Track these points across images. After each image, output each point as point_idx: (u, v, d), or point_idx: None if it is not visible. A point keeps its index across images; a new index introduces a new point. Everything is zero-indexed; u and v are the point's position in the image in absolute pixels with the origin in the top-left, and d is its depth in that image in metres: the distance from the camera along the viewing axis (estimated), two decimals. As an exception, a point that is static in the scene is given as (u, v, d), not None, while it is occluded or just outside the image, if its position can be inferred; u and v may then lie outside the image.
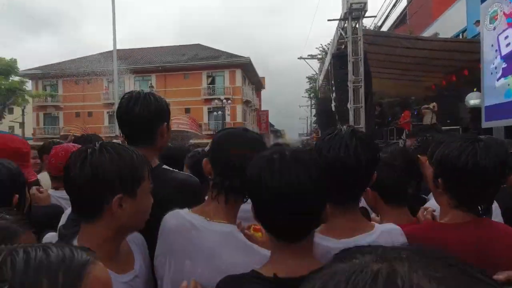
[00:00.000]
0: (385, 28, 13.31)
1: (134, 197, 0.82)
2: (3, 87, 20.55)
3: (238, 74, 28.47)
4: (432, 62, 8.80)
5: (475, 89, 7.37)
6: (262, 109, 40.38)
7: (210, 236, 0.92)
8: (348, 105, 6.63)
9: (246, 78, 31.23)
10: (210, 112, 28.43)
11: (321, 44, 22.36)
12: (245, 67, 28.97)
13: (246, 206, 0.90)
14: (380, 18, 11.39)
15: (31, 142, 21.99)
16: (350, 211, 0.92)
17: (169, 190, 1.10)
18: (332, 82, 7.83)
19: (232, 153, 0.95)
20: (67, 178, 0.83)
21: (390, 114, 11.62)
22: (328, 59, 10.29)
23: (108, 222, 0.81)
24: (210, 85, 28.50)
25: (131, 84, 29.20)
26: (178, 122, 25.68)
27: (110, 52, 19.44)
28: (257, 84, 36.33)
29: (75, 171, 0.80)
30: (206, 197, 1.03)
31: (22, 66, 23.68)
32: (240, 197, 0.96)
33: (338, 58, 7.71)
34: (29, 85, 25.43)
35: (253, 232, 1.16)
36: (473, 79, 7.82)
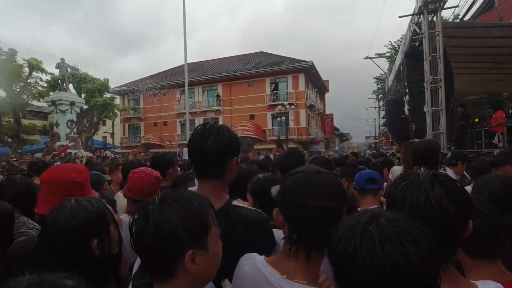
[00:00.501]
0: (467, 18, 11.79)
1: (206, 249, 0.76)
2: (98, 103, 23.99)
3: (301, 78, 28.26)
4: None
5: None
6: (326, 112, 39.29)
7: None
8: (425, 108, 5.99)
9: (309, 82, 30.81)
10: (274, 118, 28.74)
11: (389, 41, 20.87)
12: (308, 71, 28.62)
13: None
14: (462, 7, 10.10)
15: (118, 150, 24.96)
16: (445, 271, 0.75)
17: (240, 231, 1.03)
18: (405, 83, 7.19)
19: (308, 204, 0.83)
20: (133, 238, 0.77)
21: (476, 115, 10.20)
22: (399, 58, 9.51)
23: (184, 280, 0.76)
24: (274, 91, 28.85)
25: (199, 94, 31.35)
26: (243, 128, 26.59)
27: (182, 66, 21.19)
28: (321, 87, 35.53)
29: (139, 232, 0.75)
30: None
31: (111, 84, 27.37)
32: (323, 253, 0.83)
33: (411, 57, 7.07)
34: (117, 100, 29.21)
35: None
36: None
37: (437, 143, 2.98)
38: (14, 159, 11.04)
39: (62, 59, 17.92)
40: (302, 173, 0.91)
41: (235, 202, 1.17)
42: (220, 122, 30.27)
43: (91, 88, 24.40)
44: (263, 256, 0.93)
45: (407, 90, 7.12)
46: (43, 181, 1.37)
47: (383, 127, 28.14)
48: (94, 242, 1.01)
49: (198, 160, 1.13)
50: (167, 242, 0.73)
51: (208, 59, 35.58)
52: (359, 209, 1.85)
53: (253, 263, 0.91)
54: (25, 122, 22.00)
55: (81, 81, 24.34)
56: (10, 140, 21.36)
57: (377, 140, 27.12)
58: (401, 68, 8.00)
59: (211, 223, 0.78)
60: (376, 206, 1.71)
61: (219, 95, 30.62)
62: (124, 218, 1.61)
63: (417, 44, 7.24)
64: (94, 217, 1.04)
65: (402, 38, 18.94)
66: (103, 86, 25.38)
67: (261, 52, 33.37)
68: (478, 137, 8.72)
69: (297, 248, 0.85)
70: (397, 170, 3.01)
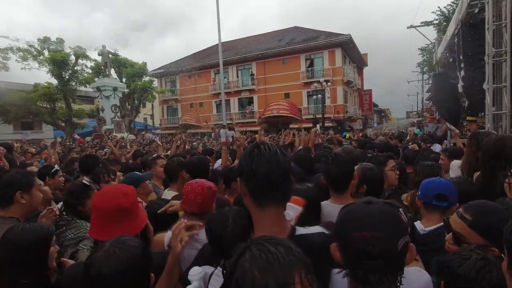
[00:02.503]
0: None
1: None
2: (138, 87, 24.97)
3: (338, 53, 26.89)
4: None
5: None
6: (365, 88, 37.40)
7: None
8: (485, 86, 5.36)
9: (347, 56, 29.26)
10: (309, 95, 27.98)
11: (438, 7, 18.80)
12: (346, 45, 27.11)
13: None
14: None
15: (159, 131, 26.15)
16: None
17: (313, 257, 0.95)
18: (460, 57, 6.47)
19: (361, 238, 0.80)
20: None
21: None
22: (451, 27, 8.54)
23: None
24: (309, 68, 27.89)
25: (234, 74, 31.29)
26: (278, 107, 26.30)
27: (216, 45, 21.11)
28: (359, 62, 33.64)
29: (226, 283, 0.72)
30: None
31: (149, 67, 28.21)
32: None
33: (469, 26, 6.30)
34: (155, 83, 30.14)
35: None
36: None
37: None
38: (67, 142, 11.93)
39: (104, 46, 18.69)
40: (353, 206, 0.89)
41: (298, 229, 1.06)
42: (255, 101, 30.20)
43: (131, 73, 25.39)
44: None
45: (462, 65, 6.42)
46: (93, 206, 1.40)
47: (427, 102, 26.17)
48: None
49: (275, 186, 0.97)
50: None
51: (243, 37, 35.15)
52: (419, 222, 1.68)
53: None
54: (75, 107, 23.68)
55: (121, 66, 25.37)
56: (63, 124, 23.20)
57: (421, 118, 25.41)
58: (456, 39, 7.20)
59: None
60: (441, 224, 1.54)
61: (253, 74, 30.31)
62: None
63: (476, 10, 6.41)
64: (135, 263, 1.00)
65: (454, 3, 17.00)
66: (142, 69, 26.28)
67: (296, 28, 32.11)
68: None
69: (356, 286, 0.82)
70: (456, 164, 2.67)
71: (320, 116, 23.44)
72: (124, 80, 24.54)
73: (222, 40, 19.60)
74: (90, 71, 23.96)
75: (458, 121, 8.47)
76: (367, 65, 37.20)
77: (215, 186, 1.73)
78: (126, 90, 22.22)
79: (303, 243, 0.97)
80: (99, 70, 22.01)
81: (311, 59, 28.04)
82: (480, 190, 1.88)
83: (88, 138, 15.28)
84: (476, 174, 2.07)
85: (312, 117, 25.09)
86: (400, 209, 0.85)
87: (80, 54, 22.47)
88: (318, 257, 0.94)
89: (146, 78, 27.09)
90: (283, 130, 11.00)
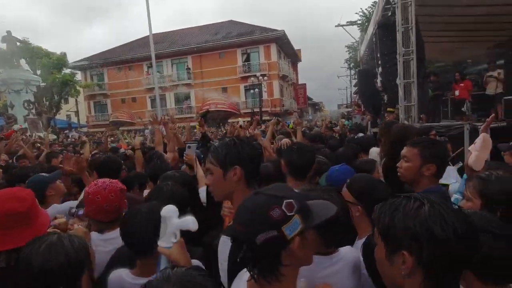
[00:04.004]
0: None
1: None
2: (57, 80, 22.18)
3: (273, 48, 27.61)
4: (499, 19, 7.64)
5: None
6: (300, 82, 39.22)
7: None
8: (397, 81, 6.01)
9: (282, 52, 30.23)
10: (247, 90, 28.25)
11: (361, 9, 20.63)
12: (280, 40, 27.96)
13: None
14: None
15: (85, 130, 23.63)
16: None
17: None
18: (378, 55, 7.15)
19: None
20: None
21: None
22: (371, 27, 9.39)
23: None
24: (246, 63, 28.09)
25: (168, 67, 29.90)
26: (216, 103, 26.00)
27: (148, 37, 19.83)
28: (293, 57, 35.08)
29: None
30: None
31: (70, 58, 25.30)
32: None
33: (384, 28, 6.97)
34: (78, 76, 27.18)
35: None
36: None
37: (415, 129, 2.90)
38: None
39: (9, 32, 16.10)
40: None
41: None
42: (192, 96, 29.37)
43: (47, 64, 22.39)
44: None
45: (379, 62, 7.10)
46: None
47: (355, 96, 28.66)
48: None
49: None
50: None
51: (176, 29, 33.71)
52: None
53: None
54: (-27, 103, 20.05)
55: (34, 56, 22.21)
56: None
57: (350, 109, 27.67)
58: (374, 39, 7.92)
59: None
60: None
61: (189, 68, 29.39)
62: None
63: (389, 13, 7.12)
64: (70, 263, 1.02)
65: (373, 5, 18.76)
66: (61, 61, 23.37)
67: (231, 21, 31.96)
68: (445, 106, 9.05)
69: None
70: (375, 151, 2.93)
71: (258, 109, 23.88)
72: (38, 72, 21.56)
73: (154, 32, 18.49)
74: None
75: (380, 112, 9.39)
76: (301, 61, 39.00)
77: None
78: (42, 84, 19.52)
79: None
80: (3, 61, 18.92)
81: (248, 53, 28.29)
82: (384, 172, 2.11)
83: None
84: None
85: (250, 111, 25.41)
86: (285, 201, 0.81)
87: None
88: None
89: (67, 71, 24.24)
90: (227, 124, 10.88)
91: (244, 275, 0.93)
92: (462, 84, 7.67)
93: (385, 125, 2.68)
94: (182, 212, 1.52)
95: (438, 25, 8.15)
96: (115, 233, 1.54)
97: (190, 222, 1.09)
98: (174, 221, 1.09)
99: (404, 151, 1.71)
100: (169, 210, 1.10)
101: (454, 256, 0.72)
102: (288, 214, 0.80)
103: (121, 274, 1.30)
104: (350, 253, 1.24)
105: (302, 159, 1.89)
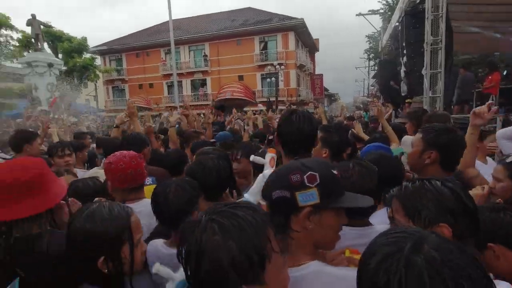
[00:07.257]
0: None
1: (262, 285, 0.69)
2: (78, 64, 22.63)
3: (291, 37, 27.18)
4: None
5: None
6: (316, 72, 38.62)
7: None
8: (423, 71, 5.85)
9: (300, 41, 29.73)
10: (263, 78, 28.06)
11: (384, -3, 19.87)
12: (298, 29, 27.46)
13: None
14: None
15: (103, 114, 24.00)
16: None
17: None
18: (403, 44, 6.94)
19: None
20: (185, 273, 0.72)
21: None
22: (396, 16, 9.09)
23: None
24: (263, 51, 27.81)
25: (185, 54, 29.97)
26: (232, 90, 26.01)
27: (166, 23, 19.89)
28: (311, 46, 34.46)
29: (191, 265, 0.69)
30: None
31: (91, 43, 25.69)
32: None
33: (412, 16, 6.74)
34: (98, 61, 27.64)
35: (351, 255, 1.04)
36: None
37: (448, 116, 2.84)
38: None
39: (33, 15, 16.45)
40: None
41: None
42: (208, 83, 29.44)
43: (68, 48, 22.85)
44: None
45: (405, 51, 6.90)
46: None
47: (372, 87, 27.98)
48: (100, 259, 1.01)
49: (294, 141, 1.42)
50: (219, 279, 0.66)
51: (193, 15, 33.62)
52: None
53: None
54: (0, 85, 20.74)
55: (56, 40, 22.67)
56: (-14, 104, 20.27)
57: (369, 100, 27.13)
58: (399, 28, 7.68)
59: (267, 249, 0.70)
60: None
61: (206, 55, 29.37)
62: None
63: (417, 1, 6.88)
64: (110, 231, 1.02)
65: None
66: (81, 45, 23.79)
67: (249, 8, 31.58)
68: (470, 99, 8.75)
69: None
70: (408, 139, 2.84)
71: (274, 99, 23.74)
72: (60, 56, 22.03)
73: (173, 18, 18.49)
74: (18, 44, 21.00)
75: (400, 105, 9.19)
76: (318, 50, 38.28)
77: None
78: (64, 68, 19.99)
79: None
80: (28, 44, 19.41)
81: (265, 41, 27.96)
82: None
83: (19, 120, 13.60)
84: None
85: (266, 100, 25.30)
86: (310, 172, 0.88)
87: (3, 23, 19.48)
88: None
89: (87, 55, 24.68)
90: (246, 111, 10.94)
91: None
92: (490, 77, 7.38)
93: (421, 112, 2.63)
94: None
95: (468, 15, 7.82)
96: (139, 206, 1.55)
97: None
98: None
99: (414, 136, 1.69)
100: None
101: None
102: (307, 183, 0.86)
103: (157, 244, 1.35)
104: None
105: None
